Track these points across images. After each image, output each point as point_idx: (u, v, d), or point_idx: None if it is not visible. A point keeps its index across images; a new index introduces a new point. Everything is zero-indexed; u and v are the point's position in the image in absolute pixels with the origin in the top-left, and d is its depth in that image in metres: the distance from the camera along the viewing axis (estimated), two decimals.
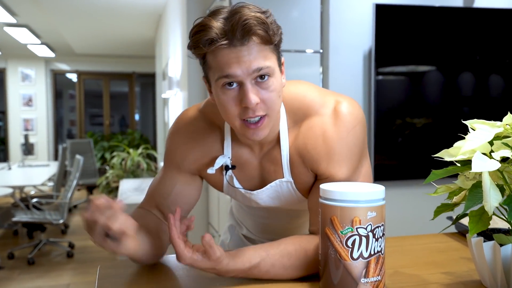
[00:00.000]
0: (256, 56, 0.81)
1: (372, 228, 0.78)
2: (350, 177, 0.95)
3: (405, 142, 2.66)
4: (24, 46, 7.77)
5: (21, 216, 4.21)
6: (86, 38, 7.10)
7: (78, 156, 4.66)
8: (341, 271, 0.78)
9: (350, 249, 0.77)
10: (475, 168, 0.79)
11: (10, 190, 4.29)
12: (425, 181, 0.91)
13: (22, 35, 6.82)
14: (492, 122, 0.88)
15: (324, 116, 0.93)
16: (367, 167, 1.00)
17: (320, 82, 2.56)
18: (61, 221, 4.19)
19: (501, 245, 0.83)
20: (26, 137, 6.89)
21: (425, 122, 2.67)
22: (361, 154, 0.97)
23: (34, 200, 4.50)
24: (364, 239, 0.77)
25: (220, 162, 0.97)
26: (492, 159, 0.80)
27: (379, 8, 2.48)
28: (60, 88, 9.74)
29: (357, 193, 0.78)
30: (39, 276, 3.84)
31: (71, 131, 10.21)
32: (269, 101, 0.84)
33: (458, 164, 0.91)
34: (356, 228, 0.77)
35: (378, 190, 0.80)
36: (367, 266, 0.78)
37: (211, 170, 0.97)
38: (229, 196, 1.11)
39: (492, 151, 0.84)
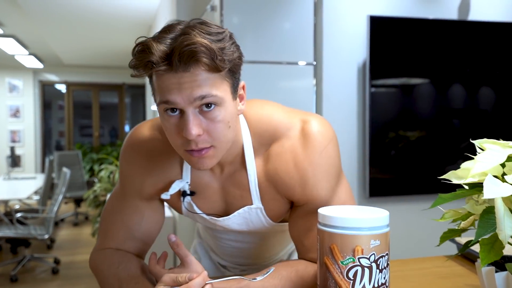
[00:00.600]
0: (200, 84, 0.73)
1: (376, 258, 0.70)
2: (330, 199, 0.90)
3: (399, 156, 2.60)
4: (11, 57, 7.66)
5: (5, 232, 4.08)
6: (74, 48, 7.01)
7: (65, 169, 4.54)
8: None
9: (351, 282, 0.70)
10: (487, 194, 0.73)
11: None
12: (431, 206, 0.84)
13: (9, 46, 6.73)
14: (504, 142, 0.82)
15: (292, 139, 0.87)
16: (346, 185, 0.95)
17: (314, 95, 2.50)
18: (46, 236, 4.06)
19: None
20: (12, 149, 6.75)
21: (419, 135, 2.63)
22: (338, 174, 0.92)
23: (19, 214, 4.36)
24: (367, 271, 0.70)
25: (176, 187, 0.90)
26: (505, 183, 0.74)
27: (374, 20, 2.45)
28: (49, 99, 9.61)
29: (360, 219, 0.71)
30: None
31: (60, 142, 10.06)
32: (215, 132, 0.77)
33: (466, 187, 0.84)
34: (358, 258, 0.70)
35: (382, 216, 0.73)
36: None
37: (165, 196, 0.91)
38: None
39: (504, 173, 0.78)
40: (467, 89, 2.69)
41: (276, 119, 0.90)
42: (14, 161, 6.82)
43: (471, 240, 0.85)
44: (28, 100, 8.72)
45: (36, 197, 5.51)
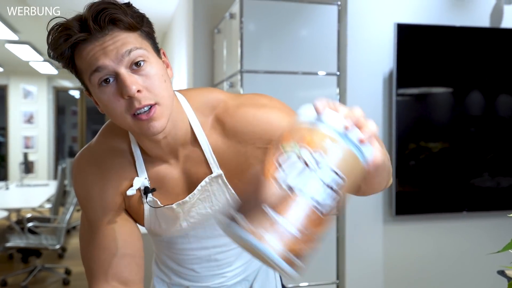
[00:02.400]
0: (123, 43, 0.76)
1: (321, 161, 0.53)
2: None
3: (425, 169, 2.47)
4: (26, 63, 7.69)
5: (16, 241, 4.01)
6: None
7: None
8: (257, 186, 0.55)
9: (278, 167, 0.54)
10: None
11: (5, 213, 4.10)
12: (502, 249, 0.72)
13: (24, 52, 6.75)
14: None
15: (236, 99, 0.91)
16: None
17: None
18: (57, 247, 3.99)
19: None
20: (25, 155, 6.73)
21: (442, 147, 2.49)
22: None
23: (30, 224, 4.29)
24: (300, 165, 0.53)
25: (137, 183, 0.88)
26: None
27: (401, 28, 2.33)
28: (62, 104, 9.65)
29: (328, 113, 0.56)
30: None
31: (73, 147, 10.09)
32: (152, 87, 0.78)
33: None
34: (300, 146, 0.54)
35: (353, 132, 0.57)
36: (283, 198, 0.52)
37: (131, 191, 0.88)
38: (152, 234, 1.00)
39: None
40: (497, 99, 2.54)
41: (214, 92, 0.93)
42: (27, 167, 6.80)
43: None
44: (42, 106, 8.75)
45: (48, 205, 5.45)
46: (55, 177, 8.61)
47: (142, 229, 0.98)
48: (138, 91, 0.76)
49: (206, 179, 0.90)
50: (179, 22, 3.92)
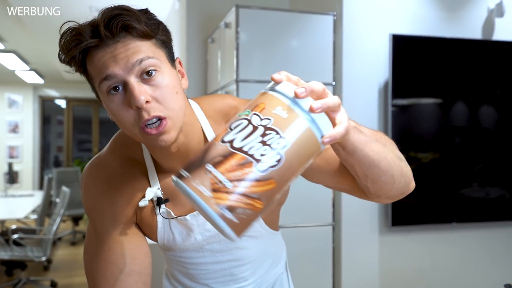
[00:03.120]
0: (135, 51, 0.72)
1: (268, 125, 0.55)
2: None
3: (419, 179, 2.45)
4: (12, 72, 7.55)
5: (0, 254, 3.86)
6: None
7: (64, 188, 4.36)
8: (205, 149, 0.57)
9: (228, 130, 0.57)
10: None
11: None
12: None
13: (10, 61, 6.63)
14: None
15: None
16: None
17: None
18: (43, 259, 3.86)
19: None
20: (10, 165, 6.56)
21: (432, 157, 2.49)
22: None
23: (15, 236, 4.15)
24: (249, 128, 0.55)
25: (150, 193, 0.85)
26: None
27: (397, 39, 2.32)
28: (48, 114, 9.48)
29: (284, 83, 0.58)
30: None
31: (58, 157, 9.89)
32: (163, 98, 0.73)
33: None
34: (253, 114, 0.56)
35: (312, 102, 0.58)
36: (226, 158, 0.54)
37: (143, 202, 0.84)
38: (165, 249, 0.97)
39: None
40: (488, 110, 2.55)
41: (227, 99, 0.91)
42: (12, 177, 6.62)
43: None
44: (27, 116, 8.59)
45: (34, 216, 5.30)
46: (40, 187, 8.42)
47: (150, 242, 0.92)
48: (147, 101, 0.72)
49: None
50: (172, 33, 3.87)
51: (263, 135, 0.54)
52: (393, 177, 0.76)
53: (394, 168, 0.75)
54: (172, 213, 0.88)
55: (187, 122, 0.80)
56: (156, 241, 0.91)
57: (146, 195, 0.84)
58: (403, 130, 2.42)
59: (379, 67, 2.37)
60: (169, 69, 0.76)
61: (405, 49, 2.36)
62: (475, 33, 2.54)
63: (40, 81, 8.38)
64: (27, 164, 8.52)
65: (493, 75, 2.55)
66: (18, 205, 5.18)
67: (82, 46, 0.72)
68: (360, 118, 2.37)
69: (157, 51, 0.75)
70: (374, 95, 2.38)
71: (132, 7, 0.74)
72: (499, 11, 2.48)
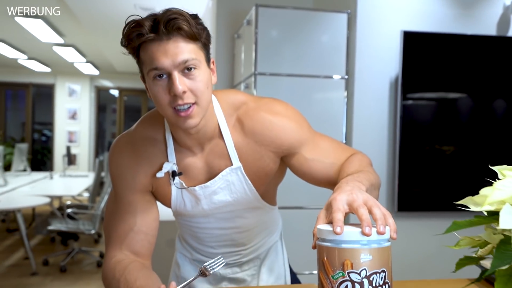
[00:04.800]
0: (182, 50, 0.85)
1: (368, 274, 0.65)
2: (313, 132, 1.04)
3: (429, 170, 2.49)
4: (71, 64, 8.04)
5: (56, 225, 4.25)
6: (126, 57, 7.24)
7: None
8: None
9: None
10: (503, 224, 0.67)
11: (48, 200, 4.36)
12: (445, 231, 0.79)
13: (69, 54, 7.06)
14: None
15: (256, 102, 1.02)
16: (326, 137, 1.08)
17: (345, 107, 2.44)
18: (92, 232, 4.20)
19: None
20: (68, 148, 7.06)
21: (450, 150, 2.51)
22: (308, 124, 1.05)
23: (70, 210, 4.54)
24: (357, 286, 0.64)
25: (167, 167, 0.98)
26: None
27: (407, 36, 2.36)
28: (103, 103, 10.01)
29: (348, 233, 0.66)
30: (69, 284, 3.84)
31: (111, 143, 10.43)
32: (196, 90, 0.87)
33: (485, 214, 0.78)
34: (348, 273, 0.65)
35: (374, 230, 0.68)
36: None
37: (160, 174, 0.98)
38: (177, 214, 1.10)
39: None
40: (500, 104, 2.53)
41: (238, 94, 1.04)
42: (70, 159, 7.12)
43: (486, 270, 0.78)
44: (84, 104, 9.13)
45: (87, 194, 5.72)
46: (94, 169, 8.98)
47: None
48: (184, 91, 0.86)
49: (227, 169, 0.99)
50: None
51: (370, 283, 0.64)
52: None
53: (375, 192, 0.91)
54: (184, 184, 1.00)
55: (208, 111, 0.94)
56: (170, 207, 1.06)
57: (163, 167, 0.97)
58: (413, 123, 2.46)
59: (390, 62, 2.42)
60: (205, 68, 0.90)
61: (416, 45, 2.39)
62: (489, 29, 2.52)
63: (96, 72, 8.87)
64: (84, 148, 9.09)
65: (503, 71, 2.52)
66: (74, 184, 5.61)
67: (142, 39, 0.85)
68: (371, 110, 2.45)
69: (199, 52, 0.88)
70: (385, 89, 2.44)
71: (185, 11, 0.88)
72: None
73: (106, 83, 9.52)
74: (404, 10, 2.46)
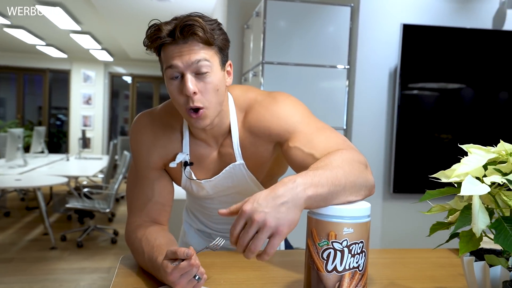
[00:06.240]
0: (196, 52, 0.90)
1: (348, 243, 0.75)
2: (307, 127, 0.99)
3: (423, 155, 2.59)
4: (86, 51, 8.14)
5: (74, 203, 4.41)
6: (140, 45, 7.33)
7: (126, 152, 4.83)
8: (317, 282, 0.77)
9: (325, 261, 0.76)
10: (464, 191, 0.78)
11: (65, 179, 4.51)
12: (420, 200, 0.91)
13: (85, 41, 7.15)
14: (488, 147, 0.86)
15: (261, 96, 1.05)
16: (329, 128, 1.02)
17: (346, 95, 2.54)
18: (107, 210, 4.35)
19: (491, 265, 0.81)
20: (83, 132, 7.22)
21: (445, 137, 2.60)
22: (308, 112, 1.03)
23: (86, 189, 4.71)
24: (339, 254, 0.75)
25: (180, 158, 1.05)
26: (483, 184, 0.79)
27: (406, 28, 2.44)
28: (116, 89, 10.13)
29: (335, 209, 0.76)
30: (85, 258, 4.01)
31: (124, 127, 10.59)
32: (206, 93, 0.93)
33: (455, 185, 0.89)
34: (332, 242, 0.75)
35: (358, 208, 0.78)
36: (341, 279, 0.76)
37: (173, 164, 1.05)
38: (184, 190, 1.17)
39: (485, 175, 0.83)
40: (495, 95, 2.61)
41: (249, 92, 1.07)
42: (85, 142, 7.29)
43: (455, 233, 0.90)
44: (99, 89, 9.26)
45: (101, 176, 5.89)
46: (108, 152, 9.16)
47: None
48: (194, 92, 0.91)
49: (231, 165, 1.06)
50: (217, 16, 4.15)
51: (350, 251, 0.74)
52: (353, 198, 0.84)
53: (354, 194, 0.83)
54: (193, 175, 1.08)
55: (224, 109, 1.01)
56: (180, 185, 1.15)
57: (177, 158, 1.04)
58: (410, 111, 2.56)
59: (390, 54, 2.51)
60: (218, 71, 0.94)
61: (415, 37, 2.46)
62: (485, 23, 2.59)
63: (110, 59, 8.98)
64: (98, 132, 9.25)
65: (498, 64, 2.59)
66: (89, 166, 5.75)
67: (159, 42, 0.92)
68: (370, 99, 2.55)
69: (213, 56, 0.93)
70: (385, 78, 2.53)
71: (206, 15, 0.94)
72: (510, 2, 2.51)
73: (120, 69, 9.63)
74: (404, 3, 2.53)
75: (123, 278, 0.96)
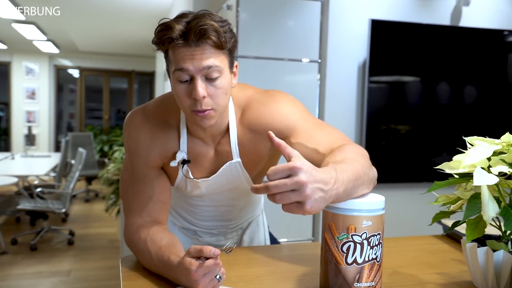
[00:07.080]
0: (208, 57, 0.88)
1: (368, 236, 0.77)
2: (308, 119, 1.01)
3: (392, 146, 2.70)
4: (29, 42, 7.65)
5: (25, 204, 4.16)
6: (90, 37, 7.02)
7: (80, 149, 4.62)
8: (336, 274, 0.78)
9: (345, 254, 0.77)
10: (477, 181, 0.82)
11: (14, 179, 4.24)
12: (428, 190, 0.93)
13: (29, 32, 6.72)
14: (491, 139, 0.91)
15: (259, 94, 1.04)
16: (329, 126, 1.04)
17: (318, 88, 2.58)
18: (63, 210, 4.15)
19: (493, 250, 0.86)
20: (29, 128, 6.80)
21: (408, 129, 2.73)
22: (305, 110, 1.05)
23: (38, 189, 4.45)
24: (358, 246, 0.77)
25: (180, 156, 1.03)
26: (490, 174, 0.83)
27: (375, 23, 2.52)
28: (61, 83, 9.62)
29: (354, 203, 0.78)
30: (41, 262, 3.80)
31: (70, 123, 10.11)
32: (215, 96, 0.91)
33: (457, 176, 0.93)
34: (351, 235, 0.77)
35: (375, 201, 0.79)
36: (361, 271, 0.78)
37: (173, 163, 1.03)
38: (175, 190, 1.15)
39: (490, 166, 0.87)
40: (454, 88, 2.78)
41: (247, 90, 1.07)
42: (30, 140, 6.87)
43: (458, 221, 0.95)
44: (43, 83, 8.74)
45: (53, 174, 5.58)
46: (55, 149, 8.68)
47: None
48: (204, 96, 0.89)
49: (227, 163, 1.05)
50: (179, 8, 4.03)
51: (369, 243, 0.77)
52: (366, 191, 0.85)
53: (368, 187, 0.85)
54: (190, 173, 1.05)
55: (225, 110, 0.99)
56: (173, 184, 1.11)
57: (176, 157, 1.02)
58: (379, 104, 2.65)
59: (359, 48, 2.58)
60: (227, 74, 0.93)
61: (382, 32, 2.56)
62: (444, 19, 2.73)
63: (56, 51, 8.49)
64: (44, 128, 8.74)
65: (457, 57, 2.75)
66: (37, 164, 5.44)
67: (172, 44, 0.88)
68: (341, 92, 2.61)
69: (224, 59, 0.91)
70: (354, 72, 2.61)
71: (218, 19, 0.90)
72: (465, 0, 2.67)
73: (66, 62, 9.14)
74: (373, 0, 2.62)
75: (132, 282, 0.92)
